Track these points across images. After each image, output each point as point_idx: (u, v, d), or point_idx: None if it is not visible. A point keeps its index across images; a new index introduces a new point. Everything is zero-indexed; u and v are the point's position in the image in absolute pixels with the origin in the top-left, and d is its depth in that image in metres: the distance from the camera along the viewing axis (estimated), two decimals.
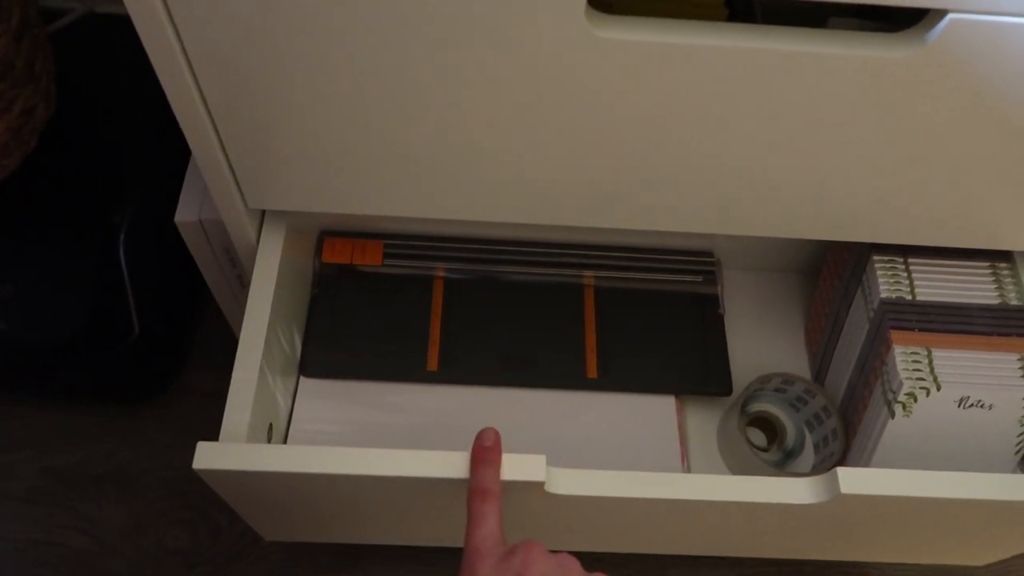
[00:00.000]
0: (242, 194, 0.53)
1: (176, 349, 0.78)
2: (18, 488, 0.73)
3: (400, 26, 0.40)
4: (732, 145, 0.47)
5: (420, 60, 0.42)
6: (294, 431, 0.61)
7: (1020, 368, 0.55)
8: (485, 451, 0.45)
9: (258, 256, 0.56)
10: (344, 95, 0.45)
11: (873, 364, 0.59)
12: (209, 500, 0.51)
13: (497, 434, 0.46)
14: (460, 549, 0.69)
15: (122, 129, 0.73)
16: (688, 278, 0.69)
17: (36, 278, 0.67)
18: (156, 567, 0.70)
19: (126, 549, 0.71)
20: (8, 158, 0.67)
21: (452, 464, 0.46)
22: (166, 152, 0.73)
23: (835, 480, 0.47)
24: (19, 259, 0.67)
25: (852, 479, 0.47)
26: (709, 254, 0.71)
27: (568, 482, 0.47)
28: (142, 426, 0.76)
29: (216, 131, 0.47)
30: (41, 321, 0.66)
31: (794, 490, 0.49)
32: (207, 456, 0.45)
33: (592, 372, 0.65)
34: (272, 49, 0.42)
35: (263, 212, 0.58)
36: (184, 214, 0.60)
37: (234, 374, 0.51)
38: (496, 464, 0.45)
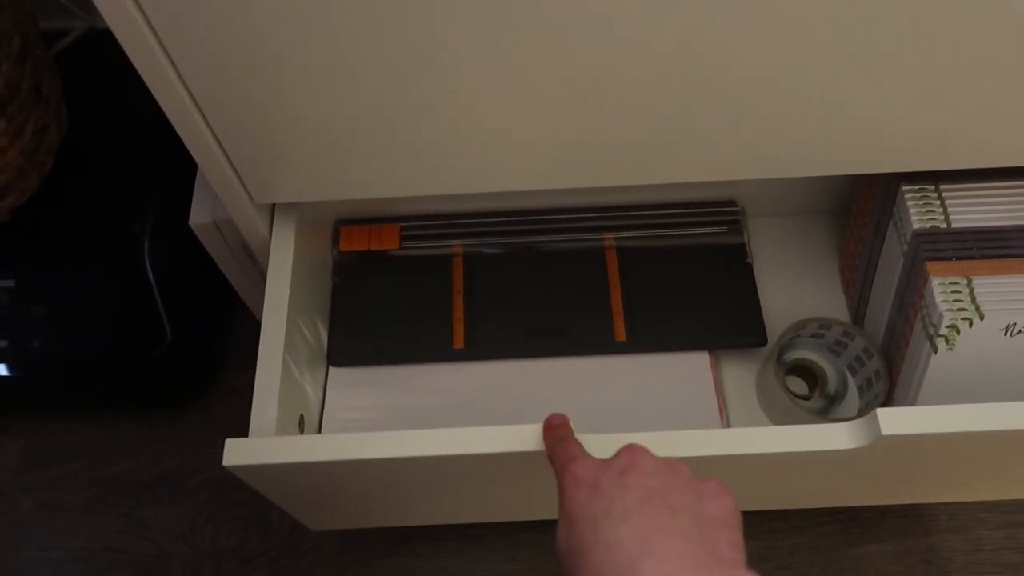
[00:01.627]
0: (247, 190, 0.53)
1: (211, 351, 0.79)
2: (73, 500, 0.75)
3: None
4: (749, 79, 0.45)
5: (412, 30, 0.41)
6: (327, 421, 0.62)
7: None
8: (555, 427, 0.44)
9: (271, 250, 0.56)
10: (335, 79, 0.44)
11: (912, 299, 0.56)
12: (257, 496, 0.51)
13: (563, 415, 0.45)
14: (503, 524, 0.69)
15: (135, 139, 0.74)
16: (712, 229, 0.68)
17: (66, 295, 0.68)
18: (212, 565, 0.71)
19: (182, 550, 0.72)
20: (26, 181, 0.68)
21: (473, 439, 0.46)
22: (181, 157, 0.74)
23: (875, 422, 0.45)
24: (48, 278, 0.69)
25: (893, 419, 0.45)
26: (732, 203, 0.69)
27: (596, 449, 0.46)
28: (186, 429, 0.78)
29: (211, 129, 0.47)
30: (75, 337, 0.68)
31: (834, 436, 0.47)
32: (236, 453, 0.46)
33: (621, 335, 0.64)
34: (254, 40, 0.41)
35: (273, 206, 0.58)
36: (198, 216, 0.61)
37: (258, 369, 0.51)
38: (567, 434, 0.43)
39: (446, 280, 0.66)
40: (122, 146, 0.74)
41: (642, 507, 0.34)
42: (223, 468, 0.46)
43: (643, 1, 0.40)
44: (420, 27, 0.41)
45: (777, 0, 0.40)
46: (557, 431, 0.44)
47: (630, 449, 0.37)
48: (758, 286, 0.66)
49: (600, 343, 0.64)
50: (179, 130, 0.46)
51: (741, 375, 0.66)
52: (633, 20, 0.41)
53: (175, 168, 0.72)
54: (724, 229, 0.67)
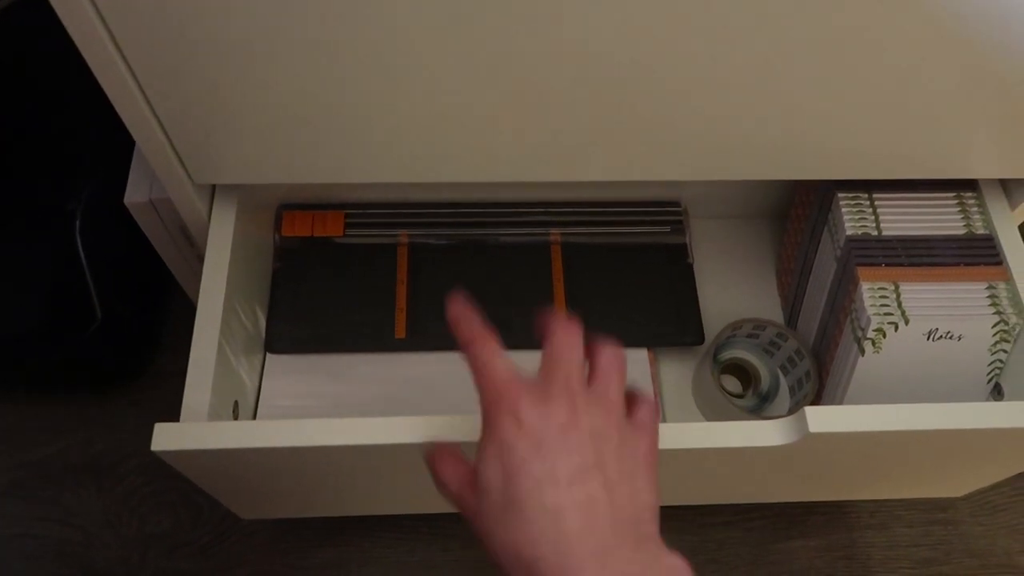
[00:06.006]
0: (186, 170, 0.51)
1: (144, 333, 0.77)
2: None
3: None
4: (693, 84, 0.46)
5: (363, 12, 0.41)
6: (263, 408, 0.61)
7: (988, 297, 0.55)
8: (457, 311, 0.39)
9: (210, 233, 0.55)
10: (283, 58, 0.43)
11: (842, 303, 0.58)
12: (187, 483, 0.50)
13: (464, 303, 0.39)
14: (438, 515, 0.70)
15: (71, 113, 0.71)
16: (655, 229, 0.69)
17: None
18: (139, 553, 0.70)
19: (108, 537, 0.70)
20: None
21: (409, 429, 0.46)
22: (119, 133, 0.72)
23: (803, 420, 0.47)
24: None
25: (820, 418, 0.46)
26: (676, 204, 0.70)
27: None
28: (117, 413, 0.75)
29: (150, 105, 0.46)
30: (1, 315, 0.65)
31: (764, 432, 0.48)
32: (165, 437, 0.45)
33: None
34: (198, 11, 0.40)
35: (214, 187, 0.56)
36: (134, 195, 0.59)
37: (192, 353, 0.50)
38: (472, 318, 0.39)
39: (390, 269, 0.66)
40: (56, 119, 0.71)
41: (585, 478, 0.34)
42: (153, 453, 0.45)
43: (593, 4, 0.40)
44: (372, 10, 0.41)
45: (725, 14, 0.41)
46: (460, 315, 0.39)
47: (570, 401, 0.36)
48: (697, 286, 0.67)
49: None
50: (116, 104, 0.45)
51: (678, 372, 0.67)
52: (583, 21, 0.41)
53: (112, 143, 0.70)
54: (667, 229, 0.69)
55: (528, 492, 0.34)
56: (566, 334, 0.39)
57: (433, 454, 0.39)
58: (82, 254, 0.67)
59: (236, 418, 0.55)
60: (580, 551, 0.33)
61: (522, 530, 0.34)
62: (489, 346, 0.38)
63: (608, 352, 0.40)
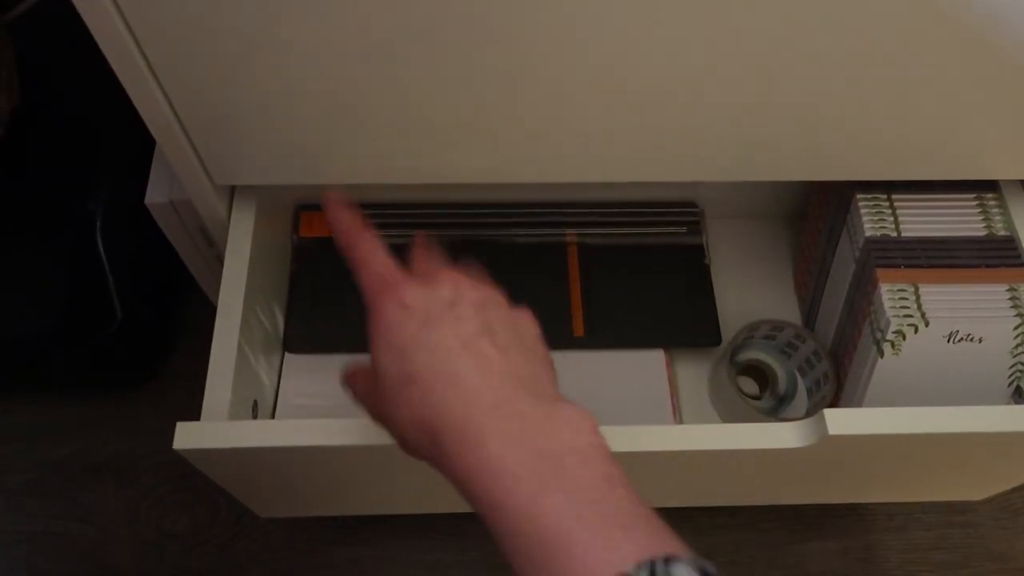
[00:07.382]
0: (207, 171, 0.52)
1: (164, 333, 0.78)
2: (15, 481, 0.73)
3: None
4: (709, 83, 0.46)
5: (379, 14, 0.41)
6: (281, 407, 0.61)
7: (1009, 299, 0.54)
8: (343, 209, 0.41)
9: (230, 233, 0.55)
10: (301, 61, 0.43)
11: (861, 304, 0.58)
12: (206, 482, 0.51)
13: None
14: (455, 514, 0.70)
15: (92, 113, 0.72)
16: (672, 230, 0.68)
17: (13, 270, 0.66)
18: (157, 552, 0.70)
19: (126, 536, 0.71)
20: None
21: None
22: (139, 134, 0.72)
23: (822, 422, 0.46)
24: None
25: (839, 420, 0.46)
26: (692, 204, 0.70)
27: None
28: (135, 413, 0.76)
29: (171, 106, 0.46)
30: (22, 314, 0.66)
31: (782, 435, 0.48)
32: (187, 436, 0.45)
33: (579, 330, 0.65)
34: (218, 12, 0.41)
35: (233, 188, 0.57)
36: (154, 196, 0.59)
37: (212, 353, 0.51)
38: (351, 218, 0.40)
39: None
40: (77, 119, 0.72)
41: (477, 341, 0.35)
42: (171, 453, 0.45)
43: (608, 6, 0.40)
44: (390, 13, 0.41)
45: (742, 13, 0.41)
46: (348, 220, 0.40)
47: (454, 282, 0.37)
48: (714, 287, 0.67)
49: (558, 337, 0.64)
50: (137, 105, 0.45)
51: (695, 373, 0.67)
52: (599, 22, 0.41)
53: (132, 144, 0.71)
54: (684, 230, 0.68)
55: (423, 363, 0.34)
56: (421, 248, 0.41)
57: (348, 371, 0.40)
58: (103, 254, 0.68)
59: (255, 417, 0.55)
60: (479, 405, 0.33)
61: (422, 401, 0.34)
62: (369, 242, 0.39)
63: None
